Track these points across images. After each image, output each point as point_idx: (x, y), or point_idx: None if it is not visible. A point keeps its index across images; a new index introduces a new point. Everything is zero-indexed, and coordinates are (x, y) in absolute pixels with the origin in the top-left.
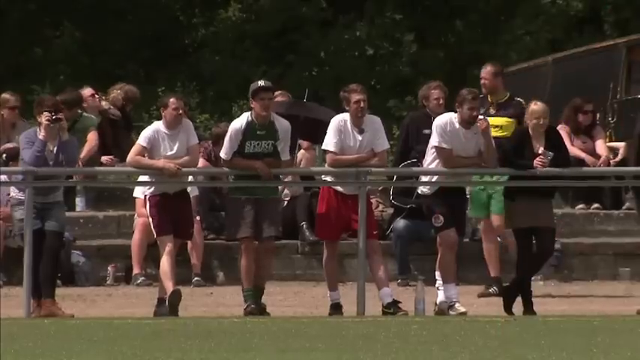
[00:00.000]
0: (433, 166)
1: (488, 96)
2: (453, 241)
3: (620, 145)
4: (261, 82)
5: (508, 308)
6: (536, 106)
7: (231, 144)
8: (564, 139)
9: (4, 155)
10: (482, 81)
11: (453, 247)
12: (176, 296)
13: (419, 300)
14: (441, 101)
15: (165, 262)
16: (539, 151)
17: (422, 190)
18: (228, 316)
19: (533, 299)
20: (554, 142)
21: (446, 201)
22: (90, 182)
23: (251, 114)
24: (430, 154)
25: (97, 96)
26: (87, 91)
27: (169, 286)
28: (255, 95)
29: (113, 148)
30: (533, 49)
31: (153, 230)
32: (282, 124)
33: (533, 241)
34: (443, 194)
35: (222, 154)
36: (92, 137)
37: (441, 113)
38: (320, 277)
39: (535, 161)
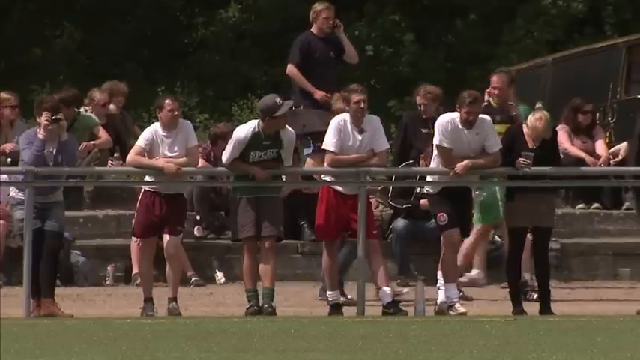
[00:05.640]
0: (434, 165)
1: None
2: (456, 241)
3: (621, 146)
4: (278, 102)
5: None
6: (539, 124)
7: (233, 152)
8: (564, 140)
9: (9, 160)
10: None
11: (457, 247)
12: None
13: (419, 300)
14: (422, 107)
15: (146, 266)
16: (522, 154)
17: (427, 189)
18: (228, 316)
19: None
20: (547, 147)
21: (450, 201)
22: (90, 182)
23: (258, 125)
24: (435, 155)
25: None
26: (100, 99)
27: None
28: (269, 114)
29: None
30: (533, 50)
31: (134, 228)
32: (288, 135)
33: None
34: (447, 194)
35: (223, 159)
36: (102, 132)
37: (428, 116)
38: (320, 277)
39: (516, 164)
